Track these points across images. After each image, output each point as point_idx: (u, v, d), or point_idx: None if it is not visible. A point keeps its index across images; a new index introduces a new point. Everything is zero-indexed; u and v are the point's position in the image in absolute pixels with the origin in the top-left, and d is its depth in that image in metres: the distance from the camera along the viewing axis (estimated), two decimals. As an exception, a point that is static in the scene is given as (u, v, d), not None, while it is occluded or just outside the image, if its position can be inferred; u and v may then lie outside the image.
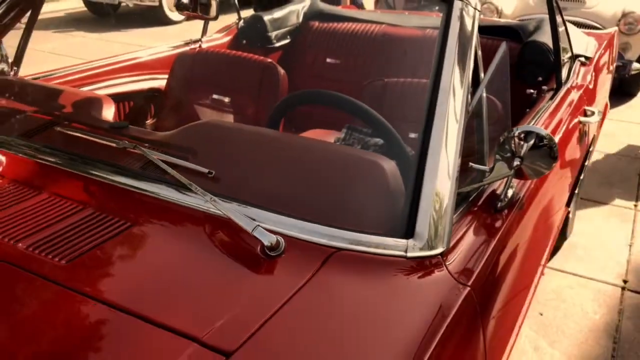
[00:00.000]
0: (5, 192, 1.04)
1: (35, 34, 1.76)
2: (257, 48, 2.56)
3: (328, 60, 2.65)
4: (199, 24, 2.50)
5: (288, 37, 2.73)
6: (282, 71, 2.04)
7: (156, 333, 0.74)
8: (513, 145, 1.05)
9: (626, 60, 4.26)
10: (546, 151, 1.04)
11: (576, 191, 2.27)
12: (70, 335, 0.76)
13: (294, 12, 2.79)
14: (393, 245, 0.89)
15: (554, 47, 1.85)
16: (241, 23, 2.70)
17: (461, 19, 1.08)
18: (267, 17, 2.63)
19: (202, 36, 2.52)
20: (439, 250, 0.91)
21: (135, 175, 1.06)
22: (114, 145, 1.10)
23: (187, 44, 2.47)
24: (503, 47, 1.23)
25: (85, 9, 8.63)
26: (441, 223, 0.92)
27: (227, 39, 2.64)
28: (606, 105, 2.70)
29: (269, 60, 2.09)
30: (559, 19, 1.83)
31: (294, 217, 0.92)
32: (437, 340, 0.78)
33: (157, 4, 7.51)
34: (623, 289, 2.36)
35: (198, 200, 0.97)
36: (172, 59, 2.26)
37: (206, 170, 1.00)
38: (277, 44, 2.68)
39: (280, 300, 0.79)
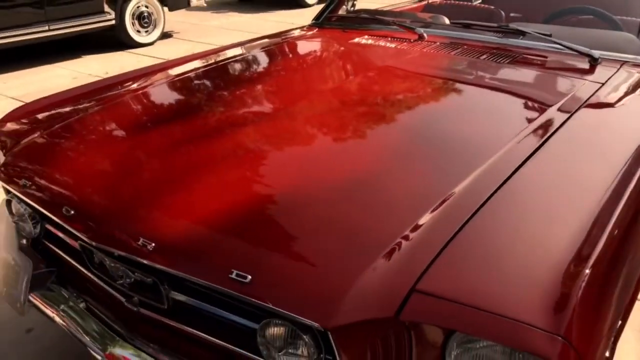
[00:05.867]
0: (438, 48, 2.17)
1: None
2: None
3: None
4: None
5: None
6: (502, 12, 3.08)
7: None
8: None
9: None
10: None
11: None
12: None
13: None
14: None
15: None
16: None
17: None
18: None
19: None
20: None
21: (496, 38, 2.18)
22: (493, 25, 2.22)
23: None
24: None
25: (228, -6, 10.03)
26: None
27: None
28: None
29: (492, 7, 3.14)
30: None
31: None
32: None
33: (298, -11, 8.75)
34: None
35: (540, 44, 2.06)
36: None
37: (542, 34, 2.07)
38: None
39: (608, 76, 1.85)
